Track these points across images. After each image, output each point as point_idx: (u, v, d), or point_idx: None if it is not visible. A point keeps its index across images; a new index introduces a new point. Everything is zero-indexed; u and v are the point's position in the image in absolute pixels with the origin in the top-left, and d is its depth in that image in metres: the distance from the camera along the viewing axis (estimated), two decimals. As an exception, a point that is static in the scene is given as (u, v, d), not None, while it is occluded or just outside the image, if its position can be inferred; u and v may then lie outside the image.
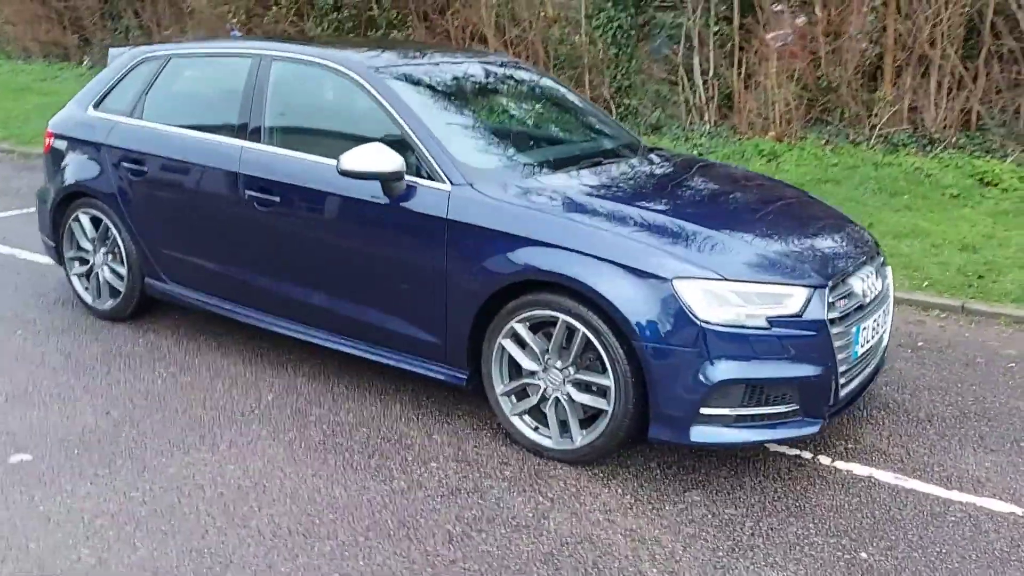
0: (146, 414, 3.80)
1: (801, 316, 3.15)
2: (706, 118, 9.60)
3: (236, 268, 4.24)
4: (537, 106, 4.61)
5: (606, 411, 3.27)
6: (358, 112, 3.95)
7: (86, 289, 4.98)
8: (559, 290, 3.29)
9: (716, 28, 9.61)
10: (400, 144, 3.66)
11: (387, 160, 3.55)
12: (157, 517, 3.04)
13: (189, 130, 4.42)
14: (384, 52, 4.27)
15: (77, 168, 4.82)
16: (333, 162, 3.83)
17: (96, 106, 4.85)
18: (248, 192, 4.06)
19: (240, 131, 4.18)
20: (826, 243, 3.57)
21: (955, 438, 3.72)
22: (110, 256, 4.80)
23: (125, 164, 4.56)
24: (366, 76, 3.88)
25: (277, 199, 3.97)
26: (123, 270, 4.73)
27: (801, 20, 9.44)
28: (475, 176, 3.60)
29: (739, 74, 9.39)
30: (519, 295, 3.40)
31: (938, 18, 8.48)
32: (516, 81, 4.71)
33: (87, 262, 4.92)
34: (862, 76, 9.07)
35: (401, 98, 3.83)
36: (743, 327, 3.10)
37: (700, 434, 3.15)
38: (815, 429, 3.26)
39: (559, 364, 3.36)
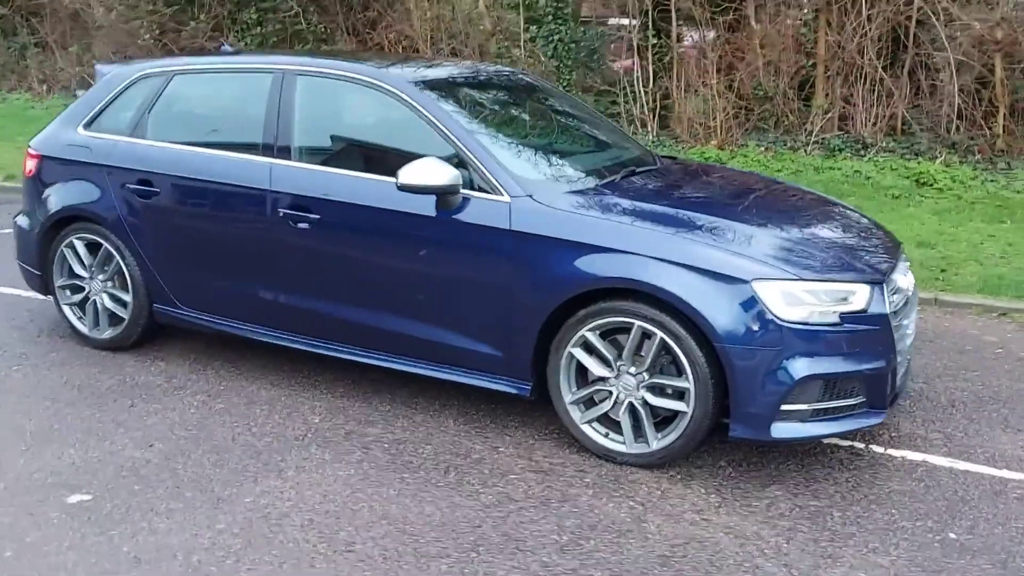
0: (193, 444, 3.65)
1: (866, 311, 3.31)
2: (649, 128, 9.86)
3: (265, 289, 4.11)
4: (559, 117, 4.66)
5: (684, 413, 3.34)
6: (400, 127, 3.92)
7: (80, 318, 4.72)
8: (635, 296, 3.34)
9: (655, 40, 9.89)
10: (447, 158, 3.64)
11: (445, 174, 3.54)
12: (255, 549, 2.92)
13: (204, 148, 4.26)
14: (413, 67, 4.25)
15: (71, 191, 4.58)
16: (378, 177, 3.81)
17: (88, 126, 4.62)
18: (282, 210, 3.95)
19: (266, 148, 4.07)
20: (869, 242, 3.76)
21: (982, 421, 3.96)
22: (110, 283, 4.57)
23: (131, 186, 4.36)
24: (409, 92, 3.85)
25: (316, 216, 3.88)
26: (127, 296, 4.51)
27: (711, 34, 9.79)
28: (532, 187, 3.62)
29: (677, 85, 9.70)
30: (589, 303, 3.43)
31: (864, 30, 8.98)
32: (534, 92, 4.75)
33: (81, 290, 4.67)
34: (796, 86, 9.52)
35: (449, 113, 3.82)
36: (818, 324, 3.23)
37: (780, 430, 3.26)
38: (880, 419, 3.42)
39: (632, 369, 3.41)
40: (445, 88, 4.06)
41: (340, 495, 3.27)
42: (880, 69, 9.09)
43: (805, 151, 9.17)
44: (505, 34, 10.84)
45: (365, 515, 3.14)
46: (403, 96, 3.85)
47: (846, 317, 3.27)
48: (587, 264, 3.41)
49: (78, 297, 4.69)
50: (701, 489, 3.34)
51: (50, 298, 4.84)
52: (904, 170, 8.51)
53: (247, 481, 3.36)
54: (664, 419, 3.45)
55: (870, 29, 9.03)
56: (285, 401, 4.08)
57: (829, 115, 9.26)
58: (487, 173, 3.63)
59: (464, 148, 3.69)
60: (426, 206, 3.67)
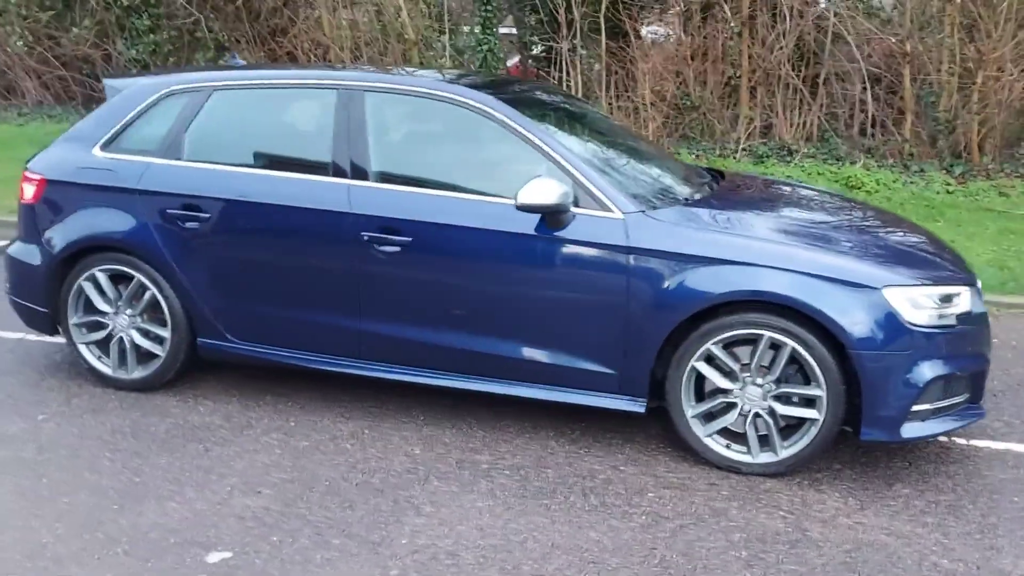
0: (304, 487, 3.41)
1: (971, 312, 3.52)
2: (582, 137, 9.99)
3: (342, 316, 3.89)
4: (615, 132, 4.66)
5: (814, 420, 3.43)
6: (489, 145, 3.82)
7: (99, 358, 4.30)
8: (763, 308, 3.40)
9: (585, 52, 10.05)
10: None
11: (558, 192, 3.48)
12: (448, 593, 2.77)
13: (259, 170, 3.99)
14: (485, 82, 4.14)
15: (92, 219, 4.16)
16: (476, 197, 3.70)
17: (106, 147, 4.21)
18: (366, 234, 3.75)
19: (338, 169, 3.86)
20: (944, 248, 3.98)
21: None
22: (140, 318, 4.19)
23: (173, 211, 4.02)
24: (500, 109, 3.76)
25: (408, 239, 3.71)
26: (164, 332, 4.15)
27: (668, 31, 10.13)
28: (641, 203, 3.62)
29: (607, 95, 9.91)
30: (712, 317, 3.46)
31: (783, 44, 9.50)
32: (576, 105, 4.74)
33: (102, 327, 4.25)
34: (723, 96, 9.93)
35: (547, 130, 3.76)
36: (939, 327, 3.40)
37: (909, 431, 3.41)
38: (983, 414, 3.64)
39: (760, 380, 3.47)
40: (525, 104, 3.98)
41: (496, 527, 3.14)
42: (798, 80, 9.63)
43: (735, 158, 9.56)
44: (428, 43, 10.71)
45: (534, 546, 3.03)
46: (494, 113, 3.75)
47: (960, 318, 3.45)
48: (716, 278, 3.43)
49: (98, 335, 4.27)
50: (835, 493, 3.44)
51: (38, 337, 4.39)
52: (832, 174, 9.03)
53: (390, 521, 3.17)
54: (783, 428, 3.52)
55: (788, 43, 9.55)
56: (369, 434, 3.87)
57: (754, 124, 9.71)
58: (595, 190, 3.59)
59: (568, 165, 3.63)
60: (530, 225, 3.59)
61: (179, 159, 4.09)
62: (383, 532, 3.11)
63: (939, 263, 3.68)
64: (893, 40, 9.08)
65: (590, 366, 3.64)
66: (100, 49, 12.13)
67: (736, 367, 3.48)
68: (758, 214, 3.85)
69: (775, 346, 3.41)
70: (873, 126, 9.52)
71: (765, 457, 3.52)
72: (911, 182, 8.88)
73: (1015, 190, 8.59)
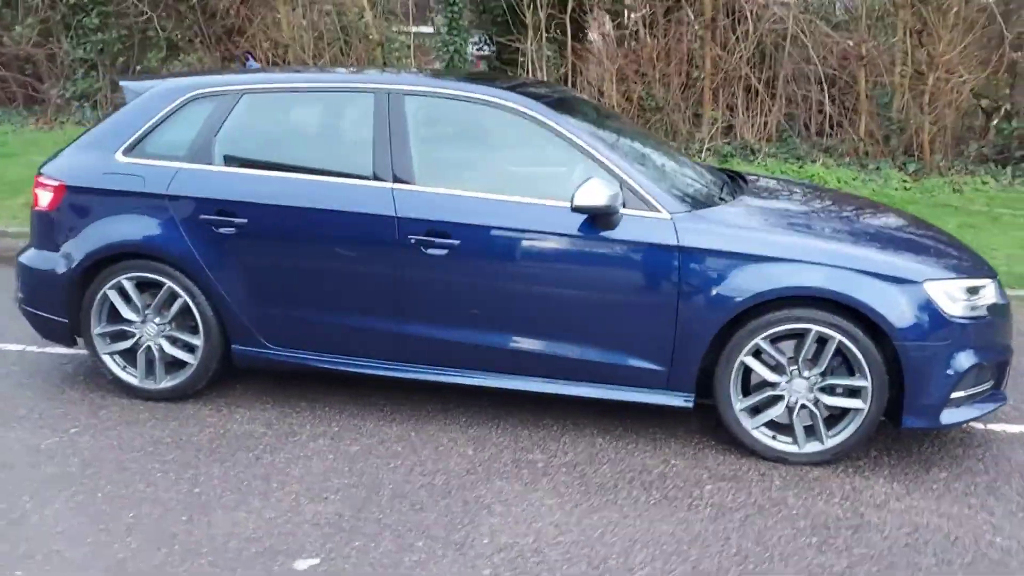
0: (370, 491, 3.41)
1: (996, 303, 3.73)
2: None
3: (386, 319, 3.89)
4: (640, 133, 4.75)
5: (859, 410, 3.58)
6: (533, 148, 3.88)
7: (124, 368, 4.20)
8: (811, 303, 3.54)
9: (550, 54, 10.17)
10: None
11: (610, 193, 3.55)
12: (548, 590, 2.82)
13: (297, 174, 3.96)
14: (517, 85, 4.18)
15: (119, 226, 4.06)
16: (522, 199, 3.75)
17: (129, 151, 4.11)
18: (413, 237, 3.76)
19: (381, 172, 3.85)
20: (961, 244, 4.19)
21: (1029, 392, 4.53)
22: (169, 326, 4.11)
23: (207, 217, 3.95)
24: (544, 113, 3.81)
25: (456, 242, 3.74)
26: (196, 340, 4.08)
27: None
28: (686, 203, 3.72)
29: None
30: (762, 313, 3.59)
31: (743, 46, 9.79)
32: (608, 111, 4.82)
33: (127, 336, 4.16)
34: (686, 97, 10.16)
35: (591, 133, 3.83)
36: (972, 318, 3.59)
37: (948, 417, 3.59)
38: (1006, 399, 3.85)
39: (806, 372, 3.61)
40: (564, 108, 4.03)
41: (570, 524, 3.20)
42: (758, 81, 9.92)
43: (700, 157, 9.80)
44: (393, 44, 10.67)
45: (612, 540, 3.10)
46: (538, 117, 3.80)
47: (990, 309, 3.65)
48: (765, 276, 3.55)
49: (123, 345, 4.17)
50: (879, 479, 3.60)
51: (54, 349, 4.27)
52: (795, 173, 9.35)
53: (465, 522, 3.20)
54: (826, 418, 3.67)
55: (748, 46, 9.84)
56: (417, 436, 3.89)
57: (717, 124, 9.97)
58: (642, 191, 3.68)
59: (615, 167, 3.71)
60: (580, 226, 3.65)
61: (210, 163, 4.03)
62: (462, 533, 3.13)
63: (964, 258, 3.88)
64: (851, 44, 9.43)
65: (639, 363, 3.72)
66: (43, 48, 11.71)
67: (783, 360, 3.60)
68: (794, 212, 3.99)
69: (821, 340, 3.55)
70: (831, 126, 9.88)
71: (811, 447, 3.66)
72: (869, 179, 9.25)
73: (968, 186, 9.04)
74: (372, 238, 3.83)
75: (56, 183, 4.14)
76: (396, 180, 3.84)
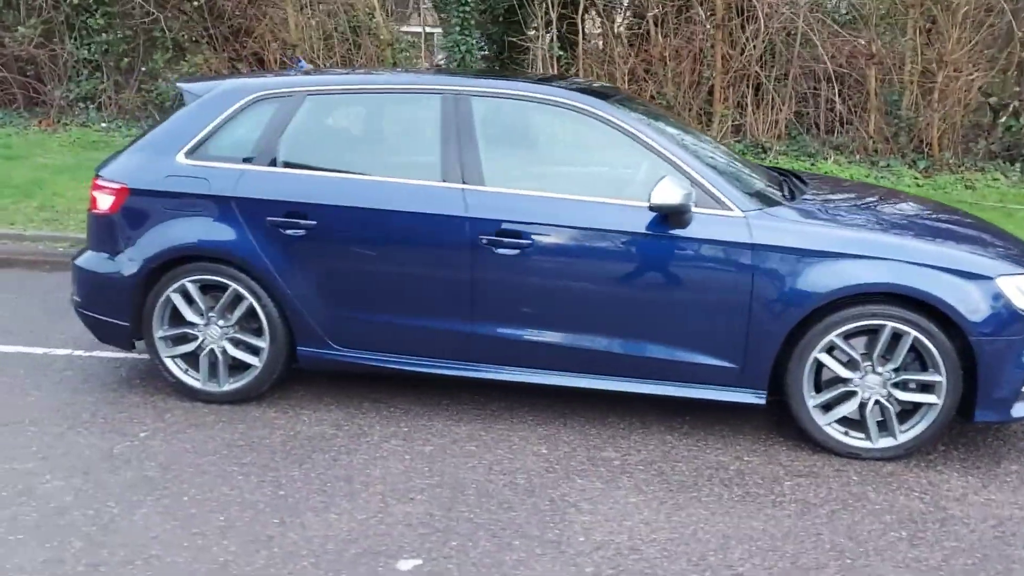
0: (455, 492, 3.41)
1: (1049, 297, 3.78)
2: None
3: (456, 319, 3.89)
4: (697, 135, 4.77)
5: (933, 405, 3.63)
6: (601, 148, 3.91)
7: (186, 371, 4.18)
8: (886, 299, 3.58)
9: (560, 53, 10.19)
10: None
11: (684, 192, 3.58)
12: (656, 587, 2.85)
13: (368, 176, 3.96)
14: (576, 86, 4.20)
15: (185, 228, 4.04)
16: (594, 199, 3.77)
17: (191, 154, 4.09)
18: (484, 237, 3.77)
19: (450, 173, 3.86)
20: (1013, 237, 4.25)
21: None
22: (234, 328, 4.10)
23: (275, 219, 3.94)
24: (614, 113, 3.84)
25: (528, 242, 3.75)
26: (262, 342, 4.07)
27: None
28: (756, 202, 3.75)
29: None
30: (837, 309, 3.62)
31: (754, 45, 9.85)
32: (658, 109, 4.85)
33: (189, 339, 4.14)
34: (697, 95, 10.21)
35: (660, 132, 3.85)
36: (1039, 312, 3.64)
37: (1018, 410, 3.64)
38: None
39: (880, 368, 3.65)
40: (630, 107, 4.06)
41: (660, 521, 3.23)
42: (769, 80, 9.99)
43: (713, 156, 9.85)
44: (403, 44, 10.65)
45: (706, 537, 3.13)
46: (608, 117, 3.83)
47: (1051, 303, 3.71)
48: (841, 272, 3.59)
49: (186, 348, 4.15)
50: (953, 473, 3.65)
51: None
52: (807, 170, 9.41)
53: (556, 520, 3.22)
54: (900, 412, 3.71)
55: (758, 45, 9.91)
56: (487, 436, 3.90)
57: (730, 122, 10.03)
58: (714, 190, 3.71)
59: (686, 167, 3.74)
60: (652, 225, 3.68)
61: (275, 166, 4.01)
62: (556, 531, 3.14)
63: (1022, 253, 3.93)
64: (862, 43, 9.51)
65: (711, 361, 3.75)
66: (46, 49, 11.59)
67: (857, 356, 3.64)
68: (861, 210, 4.04)
69: (896, 335, 3.59)
70: (841, 124, 9.96)
71: (884, 442, 3.70)
72: (881, 177, 9.34)
73: (979, 183, 9.15)
74: (443, 239, 3.83)
75: (117, 186, 4.11)
76: (465, 181, 3.84)
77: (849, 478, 3.59)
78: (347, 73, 4.64)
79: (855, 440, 3.73)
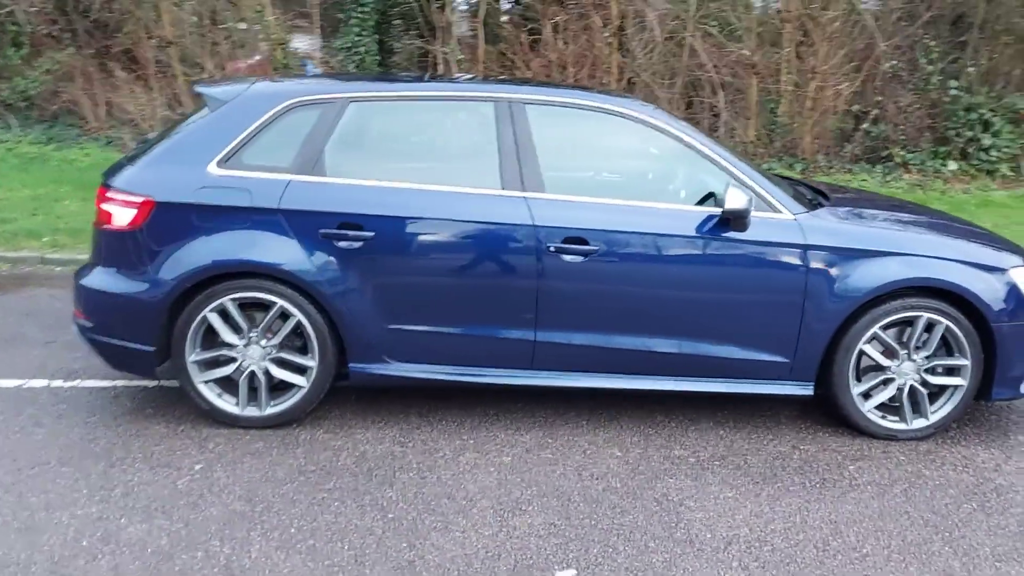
0: (560, 500, 3.42)
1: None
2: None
3: (519, 327, 3.89)
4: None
5: (960, 387, 4.02)
6: (657, 155, 4.02)
7: (219, 395, 3.93)
8: (921, 292, 3.93)
9: (461, 56, 10.22)
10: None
11: (748, 197, 3.77)
12: (813, 568, 3.00)
13: (425, 185, 3.87)
14: (628, 96, 4.30)
15: (225, 243, 3.79)
16: (655, 204, 3.90)
17: (225, 163, 3.84)
18: (551, 245, 3.80)
19: (509, 181, 3.85)
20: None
21: None
22: (278, 348, 3.89)
23: (328, 231, 3.78)
24: (671, 122, 3.97)
25: (594, 248, 3.82)
26: (310, 361, 3.89)
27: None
28: (801, 205, 4.01)
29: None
30: (880, 303, 3.93)
31: (646, 54, 10.33)
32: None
33: (230, 361, 3.89)
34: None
35: (712, 141, 4.02)
36: (1041, 300, 4.13)
37: (1024, 386, 4.12)
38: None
39: (916, 356, 4.00)
40: (674, 118, 4.20)
41: (765, 513, 3.38)
42: (663, 88, 10.49)
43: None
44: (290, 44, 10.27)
45: (818, 523, 3.32)
46: (664, 127, 3.96)
47: (1047, 292, 4.21)
48: (884, 269, 3.89)
49: (222, 372, 3.89)
50: (978, 448, 4.04)
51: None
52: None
53: (675, 520, 3.30)
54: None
55: (650, 55, 10.38)
56: (554, 443, 3.92)
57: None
58: (766, 194, 3.93)
59: (741, 174, 3.93)
60: (711, 229, 3.84)
61: (323, 175, 3.84)
62: (682, 530, 3.24)
63: (1017, 246, 4.42)
64: (747, 54, 10.18)
65: (767, 357, 3.96)
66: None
67: (896, 346, 3.97)
68: (882, 213, 4.37)
69: (929, 325, 3.95)
70: (726, 130, 10.61)
71: (918, 423, 4.05)
72: (769, 178, 10.01)
73: (851, 183, 10.02)
74: (509, 247, 3.82)
75: (140, 199, 3.78)
76: (526, 189, 3.84)
77: (897, 458, 3.90)
78: (388, 79, 4.48)
79: (892, 423, 4.06)
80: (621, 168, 4.13)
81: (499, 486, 3.51)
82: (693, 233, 3.85)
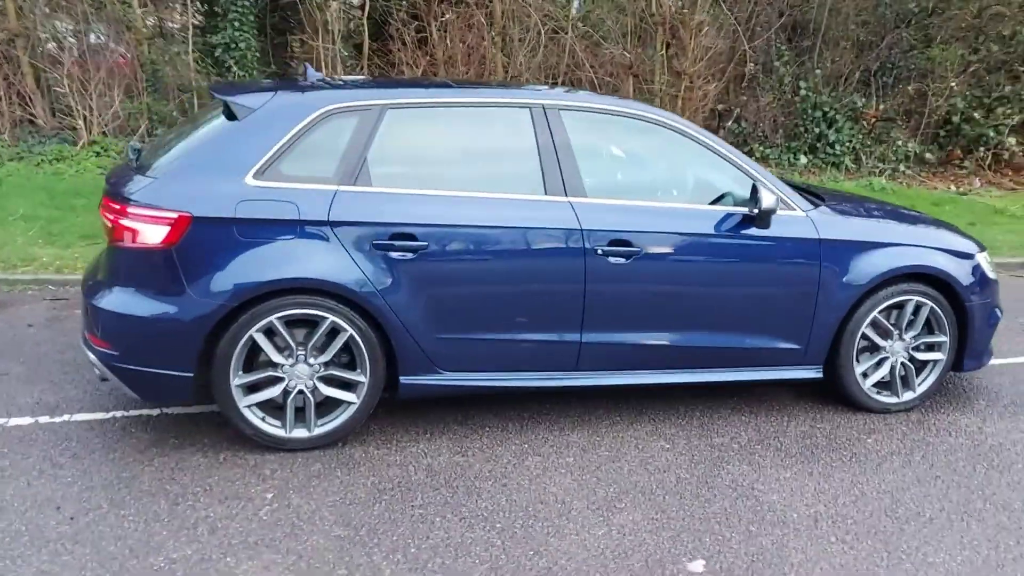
0: (645, 495, 3.55)
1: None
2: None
3: (566, 330, 3.96)
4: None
5: (940, 361, 4.52)
6: (685, 159, 4.21)
7: (263, 419, 3.75)
8: (910, 278, 4.37)
9: (345, 54, 10.01)
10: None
11: (776, 197, 4.07)
12: (955, 532, 3.30)
13: (474, 193, 3.86)
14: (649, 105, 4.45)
15: (275, 258, 3.60)
16: (693, 206, 4.12)
17: (260, 174, 3.66)
18: (599, 247, 3.91)
19: (552, 187, 3.92)
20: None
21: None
22: (327, 365, 3.76)
23: (381, 242, 3.69)
24: (693, 128, 4.17)
25: (636, 249, 3.96)
26: (361, 377, 3.79)
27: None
28: (809, 202, 4.35)
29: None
30: (879, 289, 4.34)
31: (527, 53, 10.57)
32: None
33: (276, 382, 3.72)
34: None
35: (731, 147, 4.27)
36: (995, 280, 4.70)
37: (986, 359, 4.67)
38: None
39: (905, 336, 4.45)
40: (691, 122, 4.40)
41: (827, 489, 3.65)
42: (543, 85, 10.75)
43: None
44: (169, 39, 9.65)
45: (875, 496, 3.61)
46: (688, 131, 4.15)
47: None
48: (884, 258, 4.28)
49: (268, 394, 3.71)
50: (967, 414, 4.48)
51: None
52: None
53: (760, 505, 3.50)
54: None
55: (531, 54, 10.62)
56: (605, 441, 4.03)
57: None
58: (781, 193, 4.23)
59: (758, 175, 4.21)
60: (742, 227, 4.10)
61: (368, 185, 3.74)
62: (771, 514, 3.44)
63: (968, 234, 4.98)
64: (627, 55, 10.64)
65: (786, 345, 4.27)
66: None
67: (891, 327, 4.40)
68: (870, 209, 4.79)
69: (917, 307, 4.40)
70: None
71: (907, 396, 4.50)
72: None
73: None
74: (558, 252, 3.88)
75: (175, 214, 3.51)
76: (568, 194, 3.92)
77: (899, 429, 4.32)
78: (419, 85, 4.35)
79: (886, 398, 4.48)
80: (651, 171, 4.28)
81: (580, 487, 3.58)
82: (725, 232, 4.07)
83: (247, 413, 3.68)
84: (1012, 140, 11.80)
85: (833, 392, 4.49)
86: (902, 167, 11.51)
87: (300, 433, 3.75)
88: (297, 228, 3.61)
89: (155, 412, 4.09)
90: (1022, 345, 5.61)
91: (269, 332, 3.64)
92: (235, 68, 9.36)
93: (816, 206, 4.36)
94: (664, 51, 10.85)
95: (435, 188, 3.81)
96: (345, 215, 3.64)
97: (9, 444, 3.73)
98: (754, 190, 4.03)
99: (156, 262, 3.53)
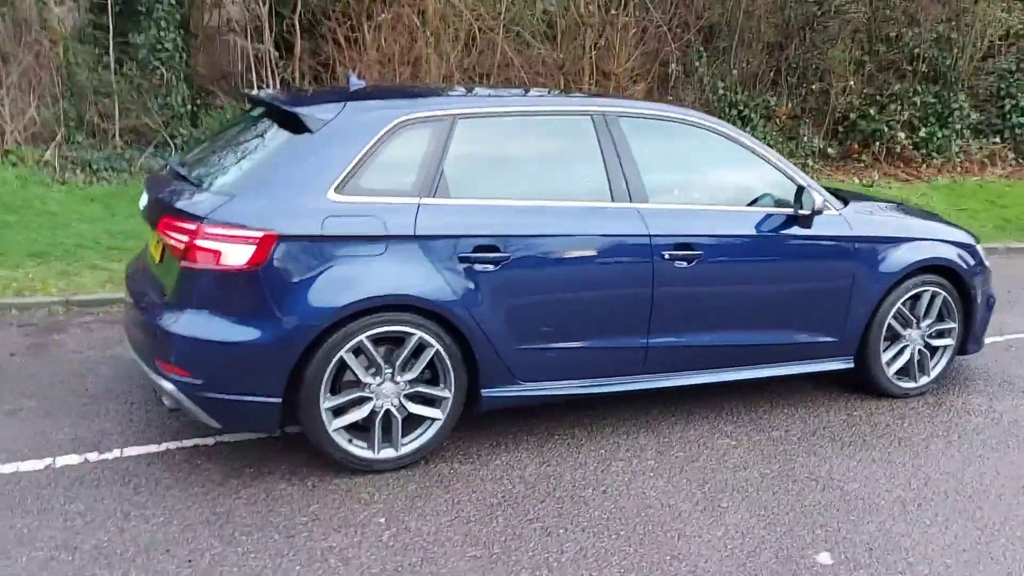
0: (740, 493, 3.65)
1: (978, 257, 5.27)
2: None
3: (634, 335, 4.02)
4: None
5: (948, 347, 4.86)
6: (734, 164, 4.34)
7: (350, 441, 3.65)
8: (927, 270, 4.68)
9: (276, 55, 9.70)
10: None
11: (822, 198, 4.28)
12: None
13: (550, 202, 3.88)
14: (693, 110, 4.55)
15: (366, 275, 3.49)
16: (750, 209, 4.28)
17: (340, 189, 3.55)
18: (666, 252, 4.00)
19: (617, 193, 3.98)
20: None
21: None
22: (413, 383, 3.69)
23: (466, 255, 3.65)
24: (737, 133, 4.33)
25: (699, 253, 4.07)
26: (445, 392, 3.72)
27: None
28: (839, 202, 4.59)
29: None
30: (902, 281, 4.62)
31: (457, 54, 10.55)
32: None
33: (363, 402, 3.62)
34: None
35: (768, 147, 4.44)
36: (989, 267, 5.07)
37: (983, 342, 5.06)
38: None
39: (922, 324, 4.76)
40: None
41: (895, 477, 3.85)
42: (475, 84, 10.74)
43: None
44: (85, 37, 9.05)
45: (936, 478, 3.85)
46: (734, 136, 4.31)
47: (986, 261, 5.19)
48: (907, 253, 4.56)
49: (359, 414, 3.61)
50: (965, 395, 4.87)
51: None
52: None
53: (846, 495, 3.67)
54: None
55: (463, 54, 10.60)
56: (675, 442, 4.12)
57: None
58: (824, 195, 4.44)
59: (798, 177, 4.40)
60: (791, 227, 4.28)
61: (447, 196, 3.68)
62: (862, 501, 3.62)
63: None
64: (558, 56, 10.76)
65: (825, 338, 4.49)
66: None
67: (911, 316, 4.69)
68: (884, 206, 5.07)
69: (933, 296, 4.72)
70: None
71: (923, 380, 4.81)
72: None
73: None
74: (629, 257, 3.94)
75: (260, 233, 3.35)
76: (633, 200, 3.99)
77: (924, 413, 4.62)
78: (486, 94, 4.28)
79: (905, 383, 4.78)
80: (701, 174, 4.39)
81: (675, 489, 3.65)
82: (775, 232, 4.23)
83: (336, 436, 3.55)
84: (902, 135, 12.66)
85: (849, 380, 4.72)
86: (810, 162, 12.16)
87: (387, 453, 3.65)
88: (384, 243, 3.51)
89: (210, 441, 3.88)
90: (993, 326, 6.06)
91: (356, 351, 3.52)
92: (162, 70, 8.87)
93: (846, 204, 4.59)
94: (593, 52, 11.03)
95: (509, 198, 3.79)
96: (431, 228, 3.57)
97: (70, 486, 3.45)
98: (800, 191, 4.21)
99: (239, 284, 3.36)
